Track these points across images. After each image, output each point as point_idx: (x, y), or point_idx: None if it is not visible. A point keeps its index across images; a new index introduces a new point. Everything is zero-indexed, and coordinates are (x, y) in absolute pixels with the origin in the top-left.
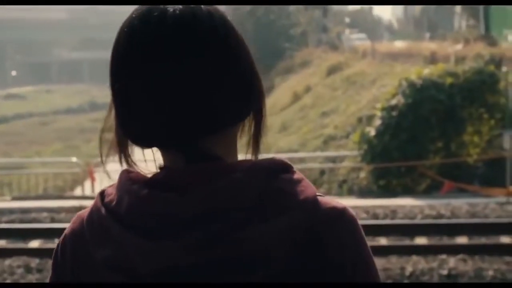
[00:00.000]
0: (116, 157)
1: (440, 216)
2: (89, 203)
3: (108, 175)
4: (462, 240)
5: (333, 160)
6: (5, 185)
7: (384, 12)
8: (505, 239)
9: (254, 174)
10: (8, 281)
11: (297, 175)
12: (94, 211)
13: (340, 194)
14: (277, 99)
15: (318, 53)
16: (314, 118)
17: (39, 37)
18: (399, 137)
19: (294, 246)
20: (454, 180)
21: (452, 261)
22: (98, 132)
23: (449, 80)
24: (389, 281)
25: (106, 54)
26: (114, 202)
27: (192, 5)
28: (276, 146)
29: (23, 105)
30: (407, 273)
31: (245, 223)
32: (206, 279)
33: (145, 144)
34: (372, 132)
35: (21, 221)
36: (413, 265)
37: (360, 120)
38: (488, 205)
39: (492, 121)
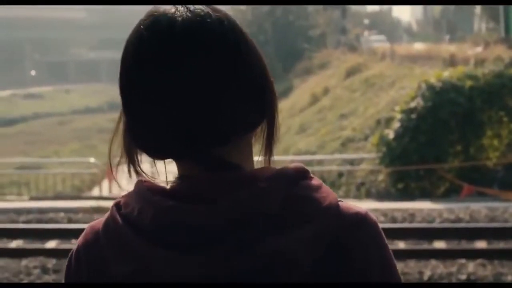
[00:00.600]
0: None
1: (459, 220)
2: (106, 204)
3: (118, 184)
4: (481, 244)
5: (351, 162)
6: (23, 184)
7: (403, 13)
8: None
9: (276, 182)
10: (24, 281)
11: (315, 181)
12: (110, 222)
13: (358, 196)
14: (295, 100)
15: (336, 54)
16: (333, 120)
17: (57, 36)
18: (418, 140)
19: (320, 252)
20: (473, 184)
21: (471, 266)
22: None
23: (468, 83)
24: None
25: None
26: (135, 214)
27: (201, 12)
28: (295, 148)
29: (42, 105)
30: (426, 277)
31: (272, 232)
32: None
33: (159, 156)
34: (390, 134)
35: (39, 221)
36: (431, 269)
37: (378, 122)
38: (508, 209)
39: (511, 125)
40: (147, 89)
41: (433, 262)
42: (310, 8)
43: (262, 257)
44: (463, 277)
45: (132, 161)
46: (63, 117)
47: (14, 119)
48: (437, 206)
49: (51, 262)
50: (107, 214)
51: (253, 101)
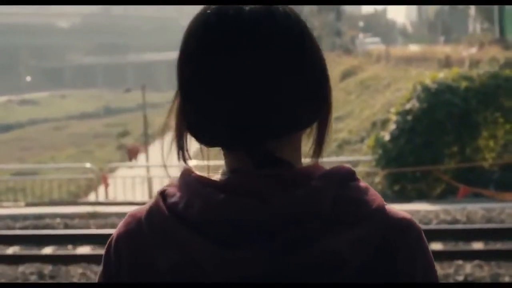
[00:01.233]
0: (126, 163)
1: (456, 221)
2: (102, 209)
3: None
4: (478, 245)
5: (348, 164)
6: (19, 191)
7: (398, 15)
8: None
9: (328, 182)
10: None
11: (363, 183)
12: (154, 212)
13: None
14: None
15: (332, 57)
16: None
17: (52, 42)
18: (414, 142)
19: (368, 254)
20: (469, 185)
21: (468, 267)
22: (112, 137)
23: (464, 84)
24: None
25: (119, 59)
26: (182, 205)
27: (268, 5)
28: None
29: (37, 111)
30: None
31: (322, 232)
32: None
33: (209, 143)
34: (386, 136)
35: (35, 227)
36: None
37: (374, 124)
38: (504, 210)
39: (507, 125)
40: (207, 75)
41: None
42: (305, 10)
43: (313, 257)
44: (460, 278)
45: (181, 146)
46: (59, 123)
47: (10, 125)
48: (433, 207)
49: (47, 268)
50: (150, 203)
51: (311, 97)
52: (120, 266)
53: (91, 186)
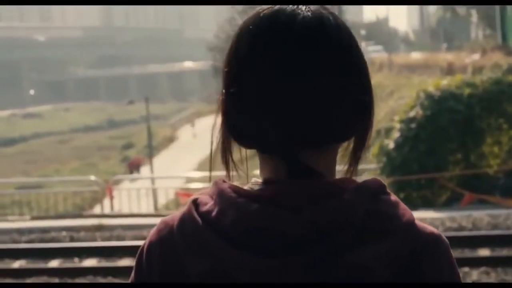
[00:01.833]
0: (129, 174)
1: (461, 228)
2: (108, 222)
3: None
4: (484, 252)
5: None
6: (24, 204)
7: (400, 23)
8: None
9: (360, 195)
10: None
11: (393, 197)
12: (186, 220)
13: None
14: None
15: None
16: None
17: (54, 55)
18: (418, 149)
19: (397, 268)
20: (474, 192)
21: (475, 274)
22: (116, 149)
23: (467, 91)
24: None
25: (121, 71)
26: (214, 214)
27: (320, 13)
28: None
29: (41, 124)
30: None
31: (352, 245)
32: None
33: (249, 144)
34: (390, 144)
35: (41, 241)
36: None
37: (378, 132)
38: (510, 216)
39: (511, 131)
40: (254, 78)
41: None
42: None
43: (344, 269)
44: None
45: (228, 157)
46: (63, 136)
47: (13, 139)
48: (439, 215)
49: (54, 281)
50: (182, 210)
51: (356, 110)
52: (151, 273)
53: (96, 199)
